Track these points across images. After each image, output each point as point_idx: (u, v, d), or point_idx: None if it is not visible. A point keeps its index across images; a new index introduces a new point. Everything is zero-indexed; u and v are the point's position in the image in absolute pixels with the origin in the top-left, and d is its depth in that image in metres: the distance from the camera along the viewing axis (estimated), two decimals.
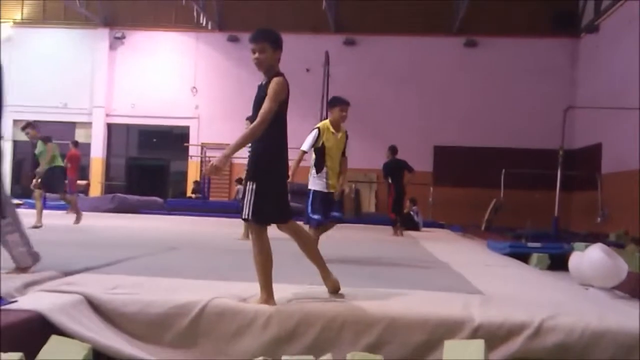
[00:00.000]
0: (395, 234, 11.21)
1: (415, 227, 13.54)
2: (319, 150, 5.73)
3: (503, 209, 14.77)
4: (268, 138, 3.53)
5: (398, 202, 11.32)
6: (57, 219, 11.17)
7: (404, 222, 13.67)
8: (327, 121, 5.85)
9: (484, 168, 17.81)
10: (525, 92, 18.97)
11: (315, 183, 5.88)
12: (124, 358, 2.93)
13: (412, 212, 14.04)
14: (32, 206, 15.87)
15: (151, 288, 3.69)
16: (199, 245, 7.46)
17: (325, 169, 5.79)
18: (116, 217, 12.84)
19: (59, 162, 9.37)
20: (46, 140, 9.30)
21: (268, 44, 3.68)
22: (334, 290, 3.79)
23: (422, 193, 17.16)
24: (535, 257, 6.83)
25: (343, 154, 5.96)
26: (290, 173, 3.92)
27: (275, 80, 3.59)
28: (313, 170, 5.89)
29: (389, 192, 11.38)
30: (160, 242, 7.35)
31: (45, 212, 14.09)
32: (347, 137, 5.99)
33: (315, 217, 5.84)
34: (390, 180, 11.29)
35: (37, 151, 9.22)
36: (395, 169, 11.31)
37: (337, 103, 5.90)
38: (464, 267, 5.80)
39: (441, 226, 15.46)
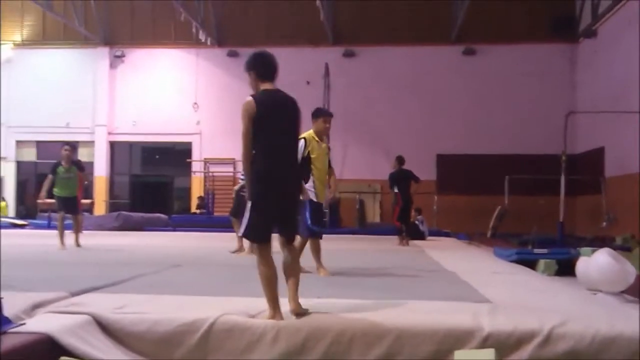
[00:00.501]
0: (401, 243, 11.25)
1: (420, 236, 13.51)
2: (305, 160, 5.65)
3: (508, 215, 14.75)
4: (255, 159, 3.61)
5: (405, 211, 11.39)
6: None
7: (409, 232, 13.67)
8: (311, 131, 5.82)
9: (488, 175, 17.79)
10: (525, 98, 18.98)
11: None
12: None
13: (417, 222, 14.01)
14: (37, 227, 15.94)
15: (158, 306, 3.68)
16: (205, 261, 7.45)
17: (312, 179, 5.76)
18: (121, 235, 12.84)
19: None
20: (80, 167, 9.31)
21: (249, 71, 3.88)
22: (296, 312, 3.55)
23: (426, 202, 17.14)
24: (542, 263, 6.81)
25: (329, 165, 6.00)
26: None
27: (243, 104, 3.68)
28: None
29: (396, 201, 11.39)
30: (166, 259, 7.35)
31: (49, 232, 14.13)
32: (329, 149, 6.05)
33: (315, 227, 5.83)
34: (396, 190, 11.33)
35: (65, 174, 9.06)
36: (402, 178, 11.38)
37: (319, 114, 5.91)
38: (472, 276, 5.78)
39: (447, 235, 15.43)
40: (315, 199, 5.79)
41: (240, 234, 3.61)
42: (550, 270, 6.59)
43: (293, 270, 3.71)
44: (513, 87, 19.30)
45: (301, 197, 3.98)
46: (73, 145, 9.50)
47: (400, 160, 11.53)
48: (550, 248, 7.75)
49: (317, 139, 5.78)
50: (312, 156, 5.69)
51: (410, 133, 19.56)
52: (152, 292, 4.33)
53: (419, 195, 18.17)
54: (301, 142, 5.55)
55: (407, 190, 11.34)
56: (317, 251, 6.05)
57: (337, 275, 6.02)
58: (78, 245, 9.03)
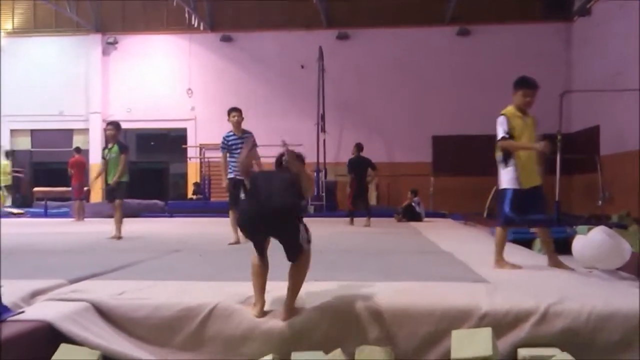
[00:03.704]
0: (351, 223, 11.81)
1: (417, 217, 13.56)
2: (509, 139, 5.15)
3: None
4: None
5: (358, 196, 11.91)
6: (62, 227, 11.17)
7: (406, 214, 13.73)
8: (511, 107, 5.27)
9: (483, 156, 17.67)
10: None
11: (506, 179, 5.27)
12: None
13: (413, 203, 14.05)
14: (35, 215, 15.93)
15: (158, 292, 3.70)
16: (203, 246, 7.47)
17: (512, 162, 5.20)
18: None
19: (127, 178, 8.66)
20: (124, 150, 8.64)
21: None
22: (283, 318, 3.33)
23: (422, 183, 17.17)
24: (538, 242, 6.82)
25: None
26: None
27: None
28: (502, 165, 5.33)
29: (351, 186, 11.92)
30: (164, 245, 7.36)
31: (45, 220, 14.14)
32: (536, 121, 5.27)
33: (512, 216, 5.15)
34: (353, 176, 11.86)
35: (108, 156, 8.60)
36: (359, 165, 11.93)
37: (516, 86, 5.26)
38: (468, 256, 5.81)
39: (443, 216, 15.47)
40: (515, 186, 5.15)
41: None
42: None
43: (292, 277, 3.42)
44: (508, 67, 19.18)
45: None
46: (116, 124, 8.88)
47: (359, 147, 12.11)
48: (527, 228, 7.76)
49: (519, 114, 5.20)
50: (515, 134, 5.15)
51: (405, 115, 19.53)
52: (152, 278, 4.34)
53: (415, 177, 18.31)
54: (500, 119, 5.23)
55: (363, 177, 11.86)
56: (501, 244, 5.21)
57: (333, 256, 6.04)
58: (118, 236, 8.45)
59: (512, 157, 5.21)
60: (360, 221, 11.69)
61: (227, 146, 7.75)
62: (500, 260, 5.11)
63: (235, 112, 7.85)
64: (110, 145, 8.69)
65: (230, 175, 7.68)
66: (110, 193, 8.77)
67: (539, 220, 5.24)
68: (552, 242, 5.24)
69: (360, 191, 11.91)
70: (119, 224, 8.55)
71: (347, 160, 12.40)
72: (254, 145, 6.42)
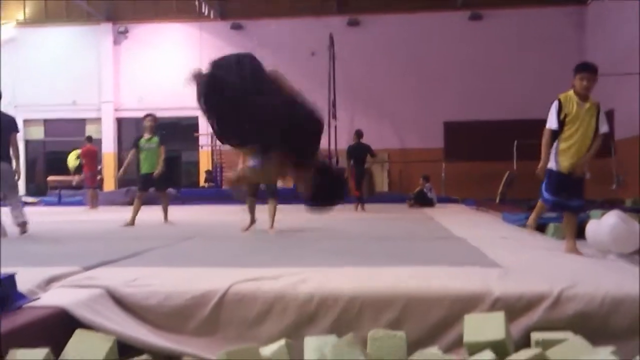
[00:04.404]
0: (357, 209, 12.04)
1: (429, 203, 13.55)
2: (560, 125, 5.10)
3: (516, 181, 14.71)
4: None
5: (359, 182, 12.18)
6: (76, 215, 11.26)
7: (418, 200, 13.72)
8: (570, 91, 5.19)
9: (495, 141, 17.70)
10: (533, 62, 18.76)
11: (550, 162, 5.26)
12: (148, 348, 2.96)
13: (425, 189, 14.03)
14: (48, 204, 16.07)
15: (170, 278, 3.72)
16: (215, 233, 7.50)
17: (555, 145, 5.19)
18: (132, 210, 12.87)
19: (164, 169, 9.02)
20: (164, 142, 9.05)
21: None
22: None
23: (434, 169, 17.13)
24: (552, 227, 6.78)
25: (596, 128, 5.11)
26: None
27: None
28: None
29: (351, 173, 12.14)
30: (176, 232, 7.40)
31: (63, 208, 14.25)
32: (597, 108, 5.16)
33: (550, 198, 5.28)
34: (352, 162, 12.16)
35: (146, 146, 8.89)
36: (358, 152, 12.20)
37: (575, 70, 5.25)
38: (480, 241, 5.80)
39: (455, 201, 15.43)
40: (556, 168, 5.19)
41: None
42: (559, 234, 6.57)
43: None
44: (520, 52, 19.08)
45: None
46: (155, 116, 9.22)
47: (358, 134, 12.34)
48: (559, 212, 7.73)
49: (576, 99, 5.12)
50: (568, 120, 5.08)
51: (416, 101, 19.45)
52: (165, 265, 4.37)
53: (427, 163, 18.25)
54: (553, 106, 5.17)
55: (362, 163, 12.17)
56: (571, 227, 5.19)
57: (347, 242, 6.06)
58: (166, 221, 8.84)
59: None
60: (367, 207, 11.96)
61: None
62: (572, 245, 5.06)
63: None
64: (148, 136, 8.96)
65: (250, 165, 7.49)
66: (149, 182, 9.05)
67: (575, 207, 5.18)
68: (575, 228, 5.19)
69: (359, 178, 12.15)
70: (166, 211, 8.97)
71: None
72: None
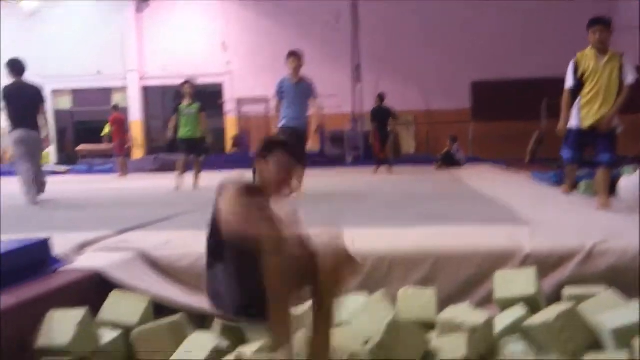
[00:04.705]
0: (389, 171, 12.01)
1: (457, 164, 13.45)
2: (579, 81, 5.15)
3: (546, 139, 14.47)
4: None
5: (382, 145, 12.34)
6: (107, 183, 11.43)
7: (445, 161, 13.62)
8: (588, 48, 5.15)
9: (524, 100, 17.37)
10: (562, 18, 18.25)
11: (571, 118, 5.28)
12: (182, 308, 3.02)
13: (453, 150, 13.91)
14: (79, 173, 16.32)
15: (202, 242, 3.76)
16: None
17: (578, 100, 5.18)
18: (160, 177, 13.05)
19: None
20: (204, 108, 9.37)
21: None
22: None
23: (462, 130, 16.95)
24: (583, 184, 6.67)
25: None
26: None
27: None
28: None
29: (374, 136, 12.43)
30: (205, 198, 7.46)
31: (94, 177, 14.46)
32: (620, 59, 5.08)
33: (567, 154, 5.37)
34: (375, 125, 12.32)
35: (187, 110, 9.14)
36: (380, 115, 12.27)
37: (587, 25, 5.14)
38: (510, 199, 5.75)
39: (483, 162, 15.28)
40: (576, 125, 5.21)
41: None
42: (591, 191, 6.48)
43: None
44: (550, 7, 18.57)
45: None
46: (193, 83, 9.41)
47: (380, 97, 12.41)
48: (591, 169, 7.61)
49: (594, 54, 5.07)
50: (586, 77, 5.10)
51: (443, 61, 19.10)
52: (196, 228, 4.42)
53: (455, 124, 18.03)
54: (569, 66, 5.22)
55: (384, 126, 12.24)
56: (604, 183, 5.13)
57: (372, 205, 6.06)
58: (196, 187, 8.96)
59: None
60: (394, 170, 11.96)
61: (280, 93, 7.14)
62: (605, 201, 5.01)
63: (293, 56, 7.12)
64: (188, 102, 9.19)
65: (283, 124, 7.05)
66: (189, 146, 9.20)
67: (605, 161, 5.10)
68: (609, 184, 5.13)
69: (382, 140, 12.31)
70: (197, 177, 9.11)
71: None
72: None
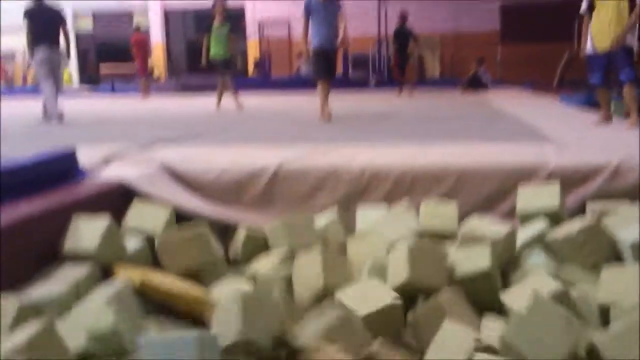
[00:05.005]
0: (399, 94, 11.93)
1: (483, 86, 13.21)
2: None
3: (575, 61, 14.06)
4: None
5: (402, 66, 12.20)
6: (130, 103, 11.45)
7: (471, 84, 13.37)
8: None
9: (554, 22, 16.83)
10: None
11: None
12: (205, 218, 3.05)
13: (479, 73, 13.62)
14: (102, 92, 16.37)
15: (226, 156, 3.78)
16: (266, 117, 7.53)
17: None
18: (182, 98, 13.03)
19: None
20: (232, 27, 9.37)
21: None
22: None
23: (489, 53, 16.54)
24: (612, 104, 6.51)
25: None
26: None
27: None
28: None
29: (395, 58, 12.38)
30: (227, 117, 7.46)
31: (117, 98, 14.50)
32: None
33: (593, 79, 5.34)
34: (396, 47, 12.15)
35: (217, 31, 9.16)
36: (402, 36, 12.04)
37: None
38: (536, 120, 5.65)
39: (511, 85, 14.96)
40: (590, 51, 5.24)
41: None
42: (620, 112, 6.32)
43: None
44: None
45: None
46: (224, 3, 9.34)
47: (403, 17, 12.11)
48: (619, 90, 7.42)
49: None
50: (596, 3, 5.08)
51: None
52: (220, 144, 4.44)
53: (481, 47, 17.57)
54: None
55: (405, 48, 12.02)
56: (631, 100, 5.17)
57: (395, 124, 6.01)
58: (239, 107, 8.87)
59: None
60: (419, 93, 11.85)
61: (309, 10, 6.68)
62: (635, 119, 4.98)
63: None
64: (219, 23, 9.17)
65: (315, 44, 6.67)
66: (221, 66, 9.24)
67: (623, 79, 5.08)
68: (636, 100, 5.06)
69: (402, 62, 12.15)
70: (236, 96, 9.07)
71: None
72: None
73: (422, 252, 2.40)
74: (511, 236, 2.70)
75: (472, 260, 2.48)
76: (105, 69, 19.65)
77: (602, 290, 2.30)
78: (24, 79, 20.50)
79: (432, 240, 2.69)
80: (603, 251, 2.63)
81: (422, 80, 16.30)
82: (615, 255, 2.64)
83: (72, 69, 21.00)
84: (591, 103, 6.91)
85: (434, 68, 19.02)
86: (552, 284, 2.29)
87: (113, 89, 16.71)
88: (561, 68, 14.09)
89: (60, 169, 3.04)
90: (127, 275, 2.27)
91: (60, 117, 6.96)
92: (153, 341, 1.64)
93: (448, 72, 18.62)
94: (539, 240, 2.75)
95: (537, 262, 2.68)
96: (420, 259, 2.37)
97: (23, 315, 1.89)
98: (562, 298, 2.19)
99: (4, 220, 2.27)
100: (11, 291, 2.08)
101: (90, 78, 20.63)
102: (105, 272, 2.44)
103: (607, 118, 5.40)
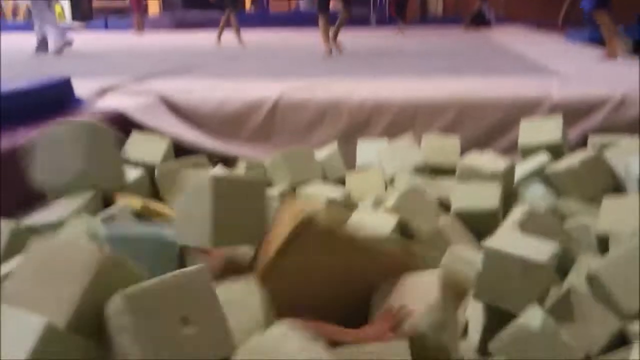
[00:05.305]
0: (399, 32, 11.45)
1: (486, 24, 12.94)
2: None
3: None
4: None
5: (400, 5, 12.14)
6: (123, 38, 11.25)
7: (474, 21, 13.09)
8: None
9: None
10: None
11: None
12: (203, 150, 3.03)
13: (483, 9, 13.33)
14: (95, 28, 16.04)
15: (224, 88, 3.73)
16: (266, 52, 7.41)
17: None
18: (178, 33, 12.77)
19: None
20: None
21: None
22: None
23: None
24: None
25: None
26: None
27: None
28: None
29: None
30: (226, 51, 7.34)
31: (110, 33, 14.23)
32: None
33: None
34: None
35: None
36: None
37: None
38: (540, 55, 5.57)
39: (515, 22, 14.66)
40: None
41: None
42: (625, 48, 6.22)
43: None
44: None
45: None
46: None
47: None
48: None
49: None
50: None
51: None
52: (218, 77, 4.37)
53: None
54: None
55: None
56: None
57: (397, 60, 5.91)
58: (242, 43, 8.57)
59: None
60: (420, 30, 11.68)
61: None
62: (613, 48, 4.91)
63: None
64: None
65: None
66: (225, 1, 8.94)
67: (584, 7, 5.07)
68: (610, 28, 4.99)
69: (403, 1, 12.14)
70: (238, 32, 8.72)
71: None
72: None
73: (412, 199, 2.38)
74: (510, 170, 2.67)
75: (477, 196, 2.45)
76: (98, 2, 19.19)
77: (601, 220, 2.29)
78: (14, 13, 20.02)
79: (431, 176, 2.66)
80: (603, 183, 2.62)
81: (424, 18, 15.99)
82: (615, 188, 2.62)
83: (64, 3, 20.52)
84: (596, 40, 6.78)
85: (437, 6, 18.61)
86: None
87: (106, 26, 16.33)
88: (566, 6, 13.79)
89: (56, 96, 2.99)
90: (126, 202, 2.26)
91: (69, 43, 6.87)
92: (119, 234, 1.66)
93: (452, 11, 18.22)
94: (539, 174, 2.73)
95: (535, 194, 2.66)
96: (411, 205, 2.35)
97: (19, 240, 1.88)
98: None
99: (3, 146, 2.24)
100: (11, 217, 2.07)
101: (82, 13, 20.16)
102: (106, 202, 2.43)
103: (612, 47, 5.25)
